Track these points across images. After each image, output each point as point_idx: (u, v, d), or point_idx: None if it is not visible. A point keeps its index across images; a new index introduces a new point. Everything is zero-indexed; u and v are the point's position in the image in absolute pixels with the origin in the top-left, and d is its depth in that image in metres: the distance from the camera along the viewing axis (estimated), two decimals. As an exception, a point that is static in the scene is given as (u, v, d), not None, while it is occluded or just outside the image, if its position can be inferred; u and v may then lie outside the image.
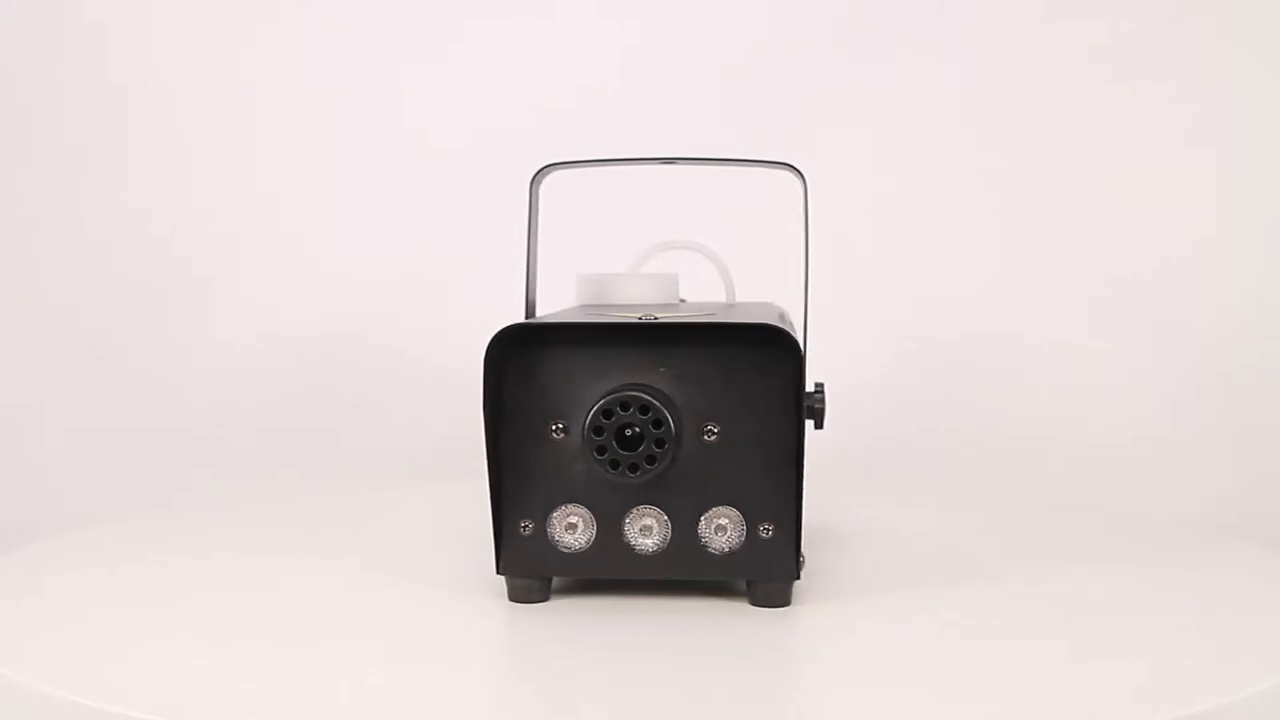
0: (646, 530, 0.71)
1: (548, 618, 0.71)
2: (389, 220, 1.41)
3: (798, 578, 0.71)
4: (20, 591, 0.78)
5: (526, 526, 0.72)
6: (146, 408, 1.39)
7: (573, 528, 0.71)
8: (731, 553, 0.71)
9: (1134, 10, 1.32)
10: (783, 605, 0.71)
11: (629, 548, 0.71)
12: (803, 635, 0.69)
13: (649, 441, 0.69)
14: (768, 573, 0.71)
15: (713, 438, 0.70)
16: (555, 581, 0.74)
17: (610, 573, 0.72)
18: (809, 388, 0.71)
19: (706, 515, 0.71)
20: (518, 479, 0.71)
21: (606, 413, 0.69)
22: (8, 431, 1.39)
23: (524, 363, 0.71)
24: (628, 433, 0.69)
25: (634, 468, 0.69)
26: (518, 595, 0.73)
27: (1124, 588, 0.78)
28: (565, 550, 0.72)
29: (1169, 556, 0.87)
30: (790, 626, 0.70)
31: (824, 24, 1.36)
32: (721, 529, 0.71)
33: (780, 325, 0.70)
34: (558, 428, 0.71)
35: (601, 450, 0.69)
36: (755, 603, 0.71)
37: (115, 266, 1.40)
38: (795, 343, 0.69)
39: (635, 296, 0.85)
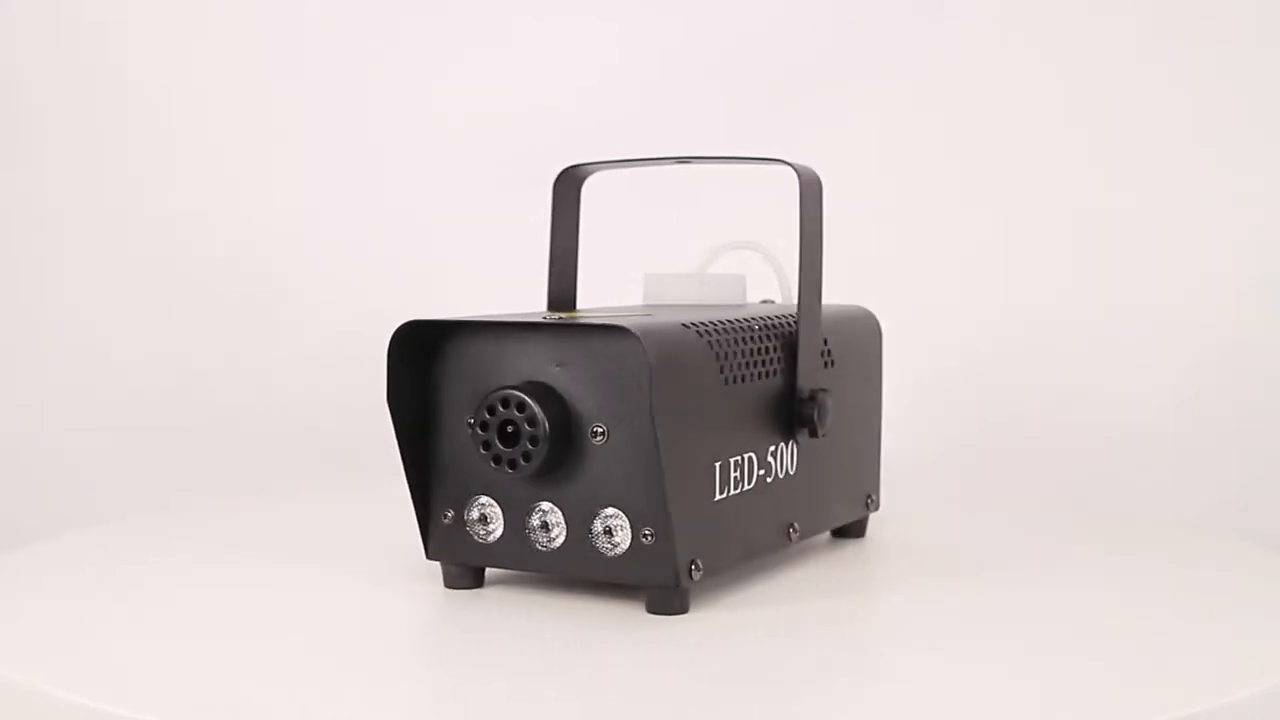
0: (545, 528, 0.72)
1: (468, 603, 0.73)
2: (389, 221, 1.41)
3: (677, 585, 0.69)
4: (20, 592, 0.78)
5: (448, 516, 0.74)
6: (146, 408, 1.39)
7: (485, 520, 0.73)
8: (622, 556, 0.70)
9: (1135, 10, 1.32)
10: (679, 612, 0.70)
11: (533, 544, 0.72)
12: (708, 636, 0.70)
13: (525, 439, 0.69)
14: (651, 578, 0.70)
15: (600, 439, 0.70)
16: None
17: (517, 566, 0.73)
18: (804, 394, 0.76)
19: (599, 517, 0.71)
20: (438, 470, 0.74)
21: (490, 409, 0.70)
22: (8, 431, 1.39)
23: (435, 357, 0.73)
24: (509, 429, 0.70)
25: (513, 463, 0.70)
26: (450, 581, 0.76)
27: (1123, 587, 0.78)
28: (480, 541, 0.74)
29: (1169, 556, 0.87)
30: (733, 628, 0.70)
31: (828, 24, 1.37)
32: (610, 531, 0.70)
33: (634, 327, 0.67)
34: (470, 422, 0.72)
35: (486, 445, 0.70)
36: (650, 609, 0.70)
37: (115, 267, 1.40)
38: (644, 346, 0.66)
39: (693, 296, 0.86)
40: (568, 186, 0.84)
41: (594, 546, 0.71)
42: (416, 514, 0.75)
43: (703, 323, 0.72)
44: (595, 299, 0.92)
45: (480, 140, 1.39)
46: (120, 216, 1.40)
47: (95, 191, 1.40)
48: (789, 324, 0.79)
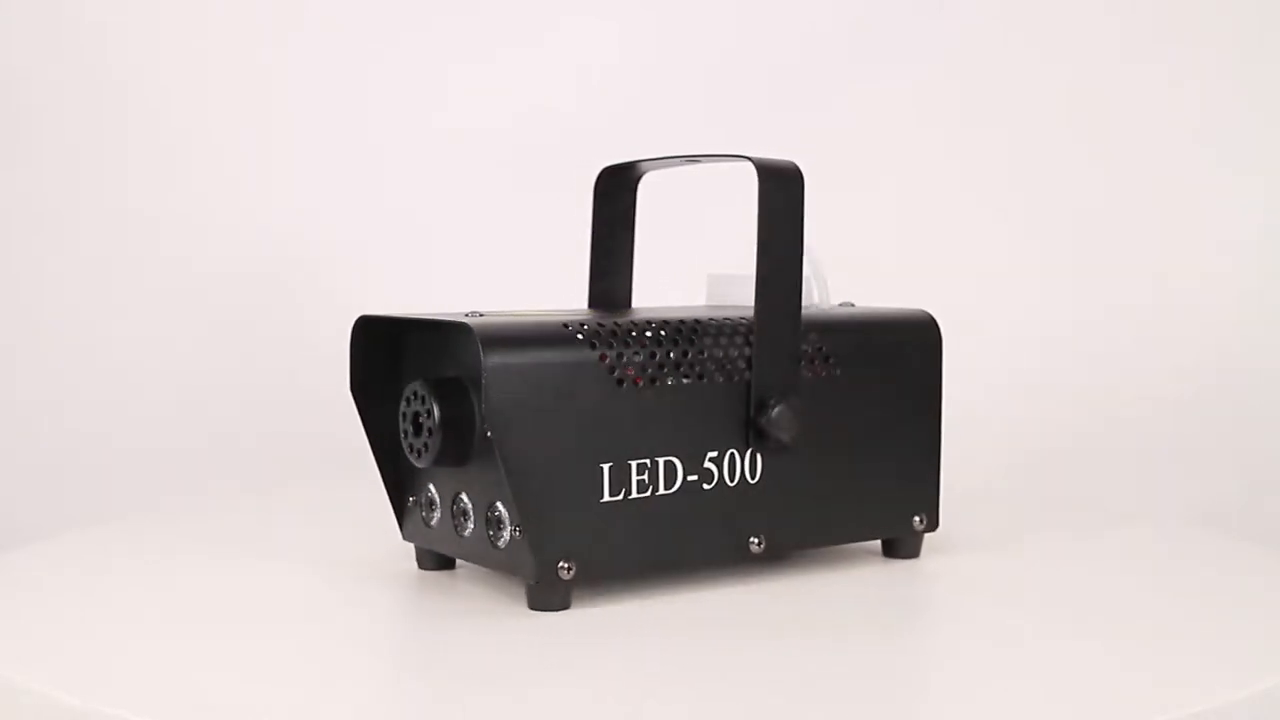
0: (465, 516, 0.74)
1: (434, 584, 0.77)
2: (388, 220, 1.41)
3: (533, 581, 0.70)
4: (20, 592, 0.78)
5: (413, 501, 0.78)
6: (146, 408, 1.39)
7: (432, 505, 0.76)
8: (505, 549, 0.71)
9: (1135, 9, 1.32)
10: (559, 608, 0.70)
11: (457, 531, 0.75)
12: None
13: (424, 430, 0.72)
14: (522, 573, 0.71)
15: (488, 436, 0.70)
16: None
17: (449, 552, 0.77)
18: (763, 401, 0.73)
19: (493, 509, 0.72)
20: (402, 458, 0.76)
21: (406, 400, 0.73)
22: (7, 432, 1.39)
23: (397, 351, 0.76)
24: (419, 420, 0.72)
25: (419, 453, 0.73)
26: (420, 563, 0.80)
27: (1123, 587, 0.78)
28: (430, 527, 0.77)
29: (1168, 555, 0.87)
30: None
31: (828, 24, 1.37)
32: (500, 524, 0.72)
33: (480, 327, 0.68)
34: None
35: (405, 434, 0.74)
36: (529, 605, 0.71)
37: (115, 267, 1.40)
38: (480, 347, 0.67)
39: (745, 297, 0.82)
40: (608, 185, 0.84)
41: (489, 537, 0.72)
42: (390, 499, 0.78)
43: (596, 324, 0.72)
44: (662, 299, 0.91)
45: (479, 140, 1.39)
46: (121, 217, 1.40)
47: (97, 191, 1.40)
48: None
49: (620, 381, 0.71)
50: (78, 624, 0.71)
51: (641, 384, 0.72)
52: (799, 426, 0.75)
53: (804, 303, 0.80)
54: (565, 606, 0.71)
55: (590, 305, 0.85)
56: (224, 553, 0.86)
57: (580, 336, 0.71)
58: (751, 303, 0.76)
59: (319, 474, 1.35)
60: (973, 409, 1.33)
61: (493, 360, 0.68)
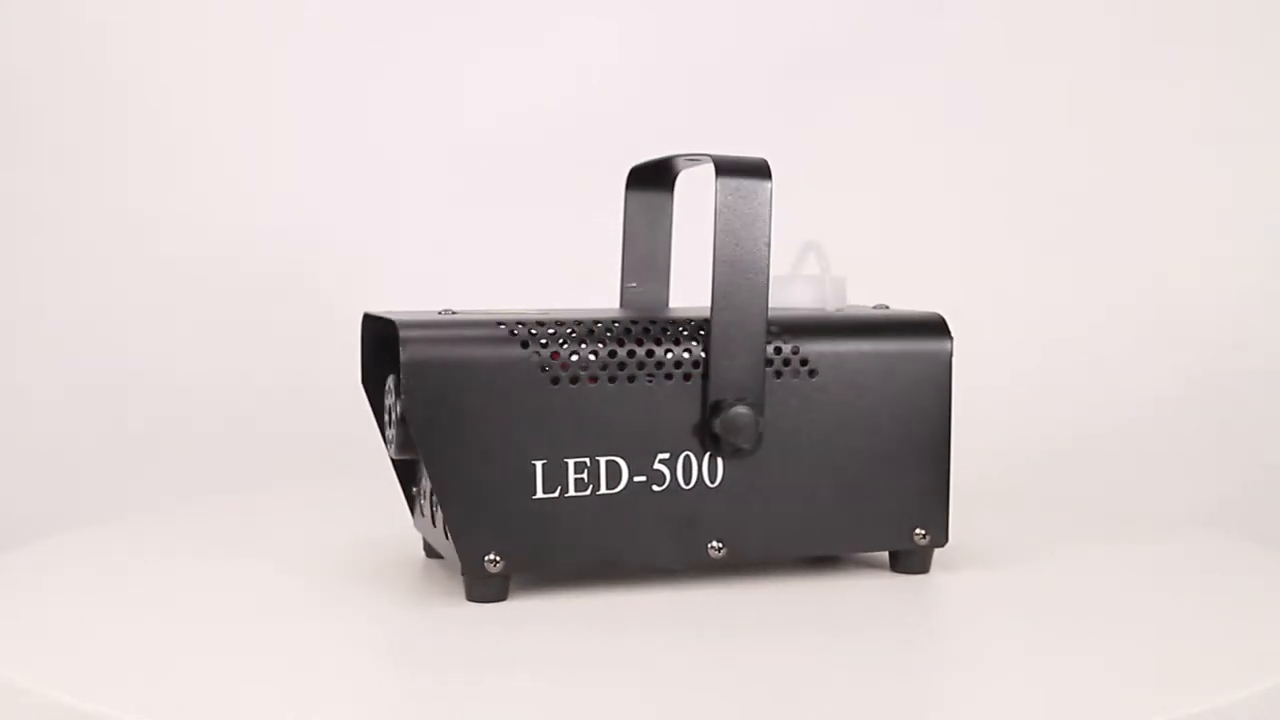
0: (432, 504, 0.76)
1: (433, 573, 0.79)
2: (388, 222, 1.41)
3: (462, 573, 0.72)
4: (20, 592, 0.78)
5: (415, 491, 0.81)
6: (145, 408, 1.39)
7: (422, 494, 0.78)
8: (447, 539, 0.74)
9: (1136, 10, 1.32)
10: (495, 600, 0.72)
11: (432, 521, 0.77)
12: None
13: (392, 423, 0.74)
14: (453, 562, 0.73)
15: None
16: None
17: (430, 540, 0.79)
18: (718, 405, 0.72)
19: (433, 502, 0.75)
20: None
21: (385, 393, 0.77)
22: (7, 432, 1.39)
23: (390, 347, 0.75)
24: (390, 413, 0.75)
25: (389, 444, 0.75)
26: (427, 551, 0.82)
27: (1123, 587, 0.78)
28: (422, 516, 0.79)
29: (1168, 556, 0.87)
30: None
31: (828, 24, 1.37)
32: (437, 516, 0.75)
33: (404, 323, 0.70)
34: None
35: (382, 427, 0.77)
36: (467, 596, 0.73)
37: (115, 267, 1.40)
38: (401, 343, 0.69)
39: (785, 298, 0.82)
40: (637, 183, 0.84)
41: (440, 526, 0.74)
42: (401, 489, 0.81)
43: (534, 322, 0.72)
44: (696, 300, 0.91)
45: (480, 140, 1.40)
46: (121, 217, 1.40)
47: (97, 191, 1.40)
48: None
49: (555, 380, 0.71)
50: (78, 624, 0.71)
51: (578, 383, 0.72)
52: (757, 432, 0.73)
53: (806, 305, 0.80)
54: (500, 598, 0.72)
55: (621, 306, 0.84)
56: (224, 552, 0.86)
57: (513, 334, 0.71)
58: (793, 303, 0.77)
59: (320, 473, 1.35)
60: (973, 410, 1.33)
61: (411, 356, 0.69)
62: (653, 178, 0.84)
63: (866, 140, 1.36)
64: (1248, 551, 0.88)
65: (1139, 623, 0.71)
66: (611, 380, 0.72)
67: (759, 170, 0.73)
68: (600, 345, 0.72)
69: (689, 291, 0.87)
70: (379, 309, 0.77)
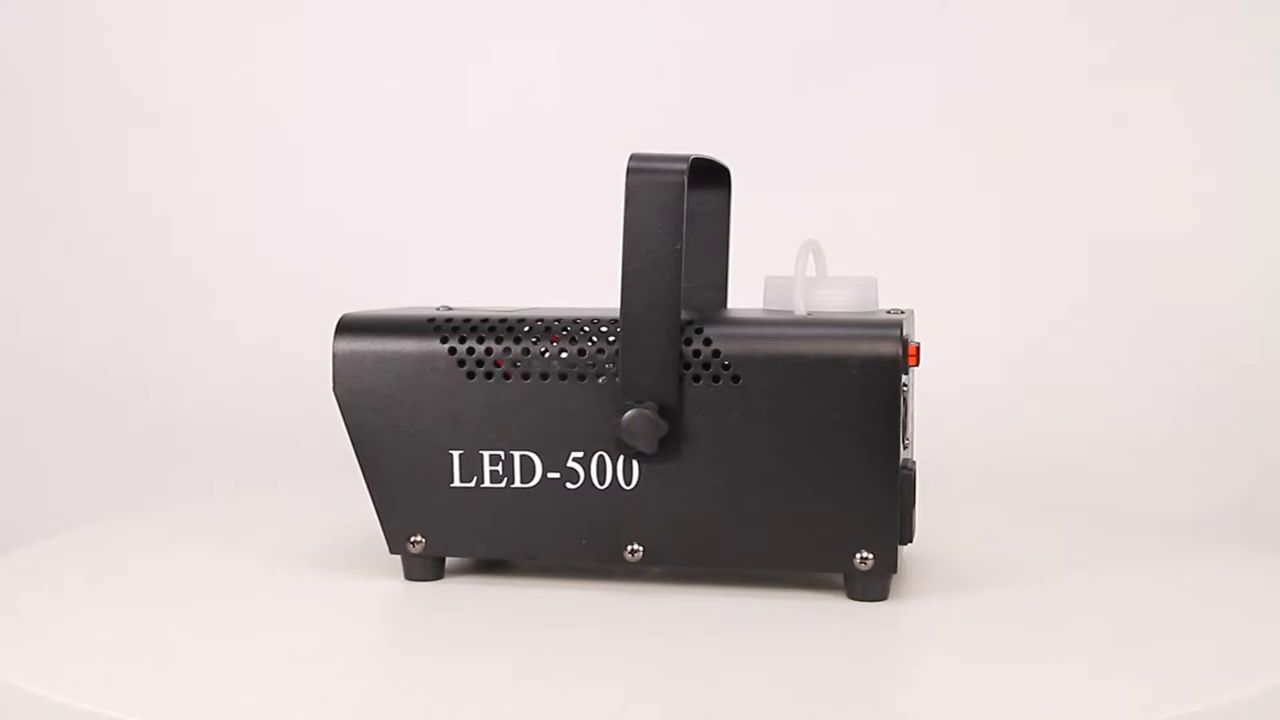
0: None
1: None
2: (389, 222, 1.41)
3: (390, 552, 0.76)
4: (20, 592, 0.78)
5: None
6: (146, 408, 1.39)
7: None
8: None
9: (1133, 10, 1.32)
10: (434, 578, 0.77)
11: None
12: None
13: None
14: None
15: None
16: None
17: None
18: (623, 407, 0.71)
19: None
20: None
21: None
22: (8, 432, 1.39)
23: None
24: None
25: None
26: None
27: (1123, 588, 0.78)
28: None
29: (1169, 556, 0.87)
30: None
31: (827, 25, 1.37)
32: None
33: (344, 318, 0.76)
34: None
35: None
36: (405, 575, 0.78)
37: (114, 268, 1.40)
38: (335, 336, 0.75)
39: (806, 300, 0.78)
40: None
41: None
42: None
43: (460, 319, 0.75)
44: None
45: (482, 140, 1.39)
46: (121, 217, 1.40)
47: (96, 192, 1.40)
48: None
49: (471, 375, 0.74)
50: (77, 624, 0.71)
51: (493, 379, 0.73)
52: (656, 436, 0.71)
53: (833, 308, 0.76)
54: (436, 577, 0.77)
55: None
56: (224, 552, 0.86)
57: (437, 330, 0.74)
58: (812, 307, 0.74)
59: (321, 473, 1.35)
60: (970, 412, 1.33)
61: (340, 347, 0.75)
62: (706, 176, 0.82)
63: (866, 141, 1.36)
64: (1248, 552, 0.88)
65: (1139, 623, 0.71)
66: (525, 377, 0.73)
67: (668, 165, 0.71)
68: (515, 343, 0.73)
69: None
70: (368, 309, 0.78)
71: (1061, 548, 0.88)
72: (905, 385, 0.71)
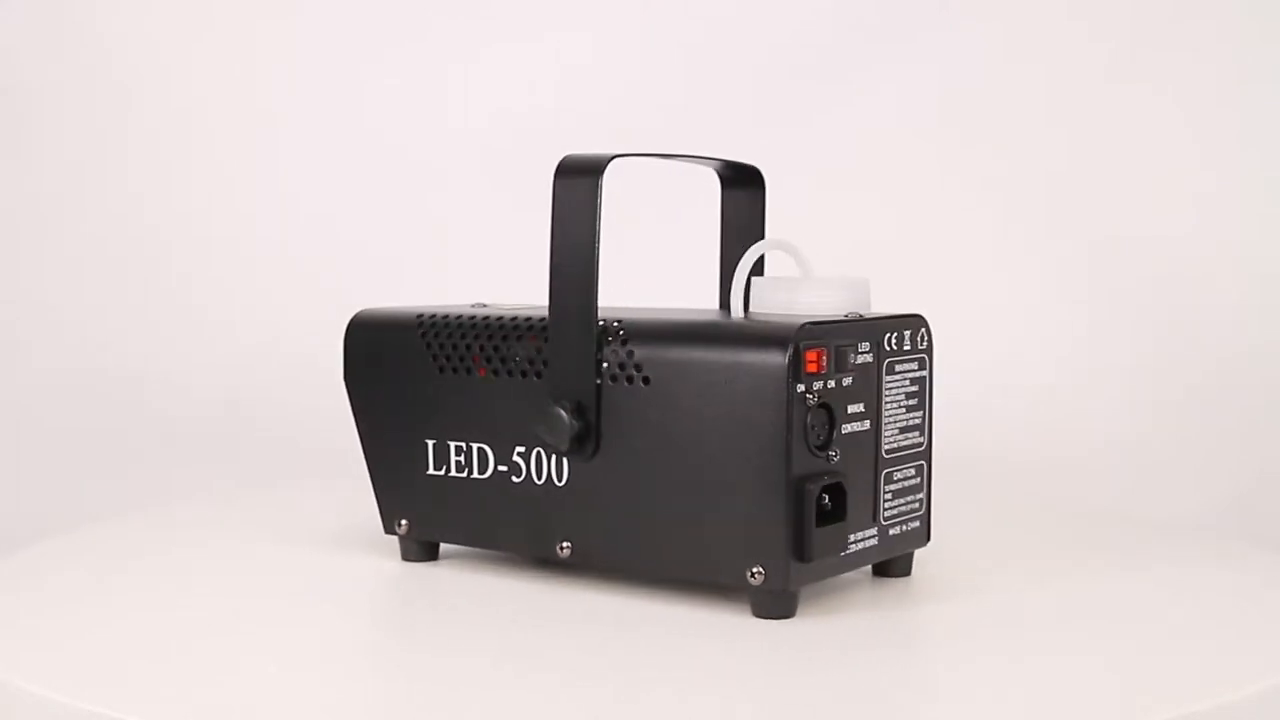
0: None
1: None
2: (388, 222, 1.41)
3: (385, 531, 0.81)
4: (20, 592, 0.78)
5: None
6: (144, 408, 1.39)
7: None
8: None
9: (1133, 10, 1.32)
10: (425, 560, 0.82)
11: None
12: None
13: None
14: None
15: None
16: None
17: None
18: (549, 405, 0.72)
19: None
20: None
21: None
22: (7, 432, 1.38)
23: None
24: None
25: None
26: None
27: (1123, 587, 0.78)
28: None
29: (1169, 556, 0.87)
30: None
31: (827, 26, 1.37)
32: None
33: (357, 315, 0.82)
34: None
35: None
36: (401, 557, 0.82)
37: (114, 267, 1.40)
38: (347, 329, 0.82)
39: (787, 303, 0.75)
40: (726, 183, 0.83)
41: None
42: None
43: (437, 317, 0.79)
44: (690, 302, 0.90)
45: (485, 139, 1.39)
46: (120, 218, 1.40)
47: (95, 192, 1.40)
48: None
49: (441, 369, 0.78)
50: (77, 624, 0.71)
51: (458, 373, 0.78)
52: (566, 434, 0.71)
53: (821, 311, 0.73)
54: (430, 558, 0.81)
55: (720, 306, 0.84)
56: (224, 552, 0.86)
57: (419, 325, 0.79)
58: (792, 309, 0.73)
59: (322, 473, 1.35)
60: (969, 411, 1.33)
61: (349, 340, 0.82)
62: (742, 178, 0.82)
63: (866, 141, 1.36)
64: (1248, 551, 0.88)
65: (1139, 623, 0.71)
66: (483, 373, 0.77)
67: (586, 165, 0.72)
68: (473, 340, 0.77)
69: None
70: (391, 305, 0.83)
71: (1061, 547, 0.88)
72: (809, 394, 0.67)
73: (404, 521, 0.81)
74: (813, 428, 0.68)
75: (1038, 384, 1.34)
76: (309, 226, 1.41)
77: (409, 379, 0.79)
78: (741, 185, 0.83)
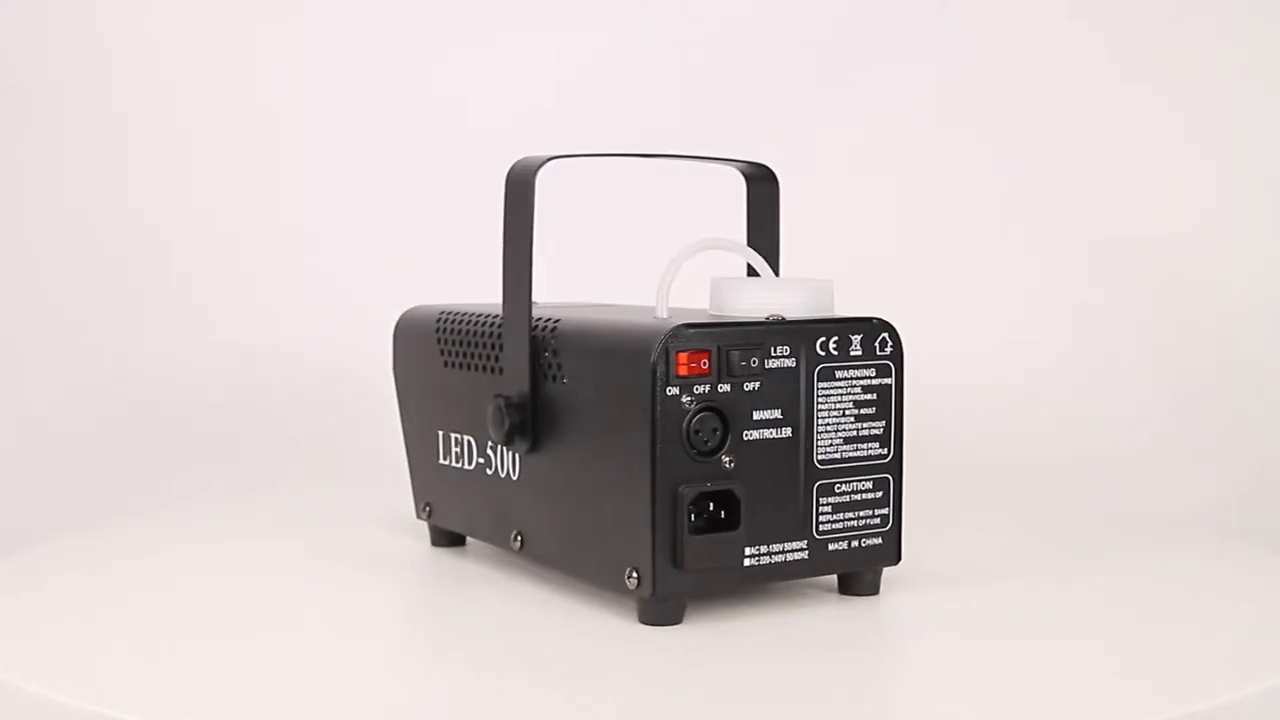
0: None
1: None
2: (387, 222, 1.41)
3: (417, 515, 0.86)
4: (20, 592, 0.78)
5: None
6: (143, 409, 1.39)
7: None
8: None
9: (1133, 11, 1.32)
10: (447, 545, 0.86)
11: None
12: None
13: None
14: None
15: None
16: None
17: None
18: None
19: None
20: None
21: None
22: (7, 432, 1.38)
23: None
24: None
25: None
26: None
27: (1123, 587, 0.78)
28: None
29: (1169, 556, 0.87)
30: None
31: (826, 26, 1.37)
32: None
33: (405, 314, 0.87)
34: None
35: None
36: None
37: (114, 268, 1.40)
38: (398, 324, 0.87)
39: (752, 305, 0.73)
40: (750, 182, 0.81)
41: None
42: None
43: (449, 315, 0.82)
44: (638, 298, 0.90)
45: (471, 137, 1.39)
46: (120, 218, 1.40)
47: (95, 193, 1.40)
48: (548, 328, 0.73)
49: (446, 364, 0.82)
50: (78, 624, 0.71)
51: (455, 369, 0.81)
52: (501, 428, 0.73)
53: (789, 312, 0.71)
54: (452, 544, 0.85)
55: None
56: (224, 552, 0.86)
57: (436, 322, 0.83)
58: (753, 310, 0.71)
59: (323, 473, 1.35)
60: (967, 411, 1.33)
61: (395, 335, 0.87)
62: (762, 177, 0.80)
63: (865, 140, 1.36)
64: (1248, 551, 0.88)
65: (1138, 622, 0.71)
66: (466, 368, 0.80)
67: (526, 169, 0.73)
68: (459, 337, 0.80)
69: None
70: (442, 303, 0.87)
71: (1060, 547, 0.88)
72: (686, 397, 0.66)
73: (427, 508, 0.85)
74: (697, 432, 0.66)
75: (1037, 384, 1.34)
76: (309, 227, 1.41)
77: (428, 373, 0.83)
78: (759, 185, 0.80)
